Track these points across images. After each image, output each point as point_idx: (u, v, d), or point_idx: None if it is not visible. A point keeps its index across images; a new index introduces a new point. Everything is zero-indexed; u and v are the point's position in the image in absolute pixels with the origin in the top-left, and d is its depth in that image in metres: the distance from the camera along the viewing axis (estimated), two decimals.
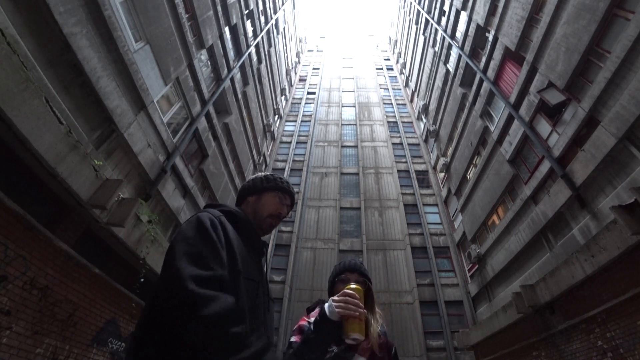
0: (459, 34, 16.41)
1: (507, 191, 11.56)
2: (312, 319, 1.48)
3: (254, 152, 17.49)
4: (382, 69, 34.28)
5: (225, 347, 0.84)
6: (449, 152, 17.30)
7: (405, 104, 27.40)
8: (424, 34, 22.42)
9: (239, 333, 0.87)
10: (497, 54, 12.29)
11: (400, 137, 23.35)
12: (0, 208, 4.14)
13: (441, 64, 18.65)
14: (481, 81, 13.45)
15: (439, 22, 19.14)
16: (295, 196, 1.59)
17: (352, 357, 1.35)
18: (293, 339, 1.36)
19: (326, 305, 1.27)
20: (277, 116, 23.53)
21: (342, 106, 27.71)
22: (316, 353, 1.25)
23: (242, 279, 1.08)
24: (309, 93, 29.51)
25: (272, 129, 20.83)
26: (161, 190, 8.23)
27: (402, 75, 30.76)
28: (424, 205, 18.09)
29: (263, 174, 1.57)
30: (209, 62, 11.65)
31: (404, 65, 30.25)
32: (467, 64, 14.84)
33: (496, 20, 12.16)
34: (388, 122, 25.08)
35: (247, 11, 14.93)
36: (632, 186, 5.80)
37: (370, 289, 1.56)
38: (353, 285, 1.31)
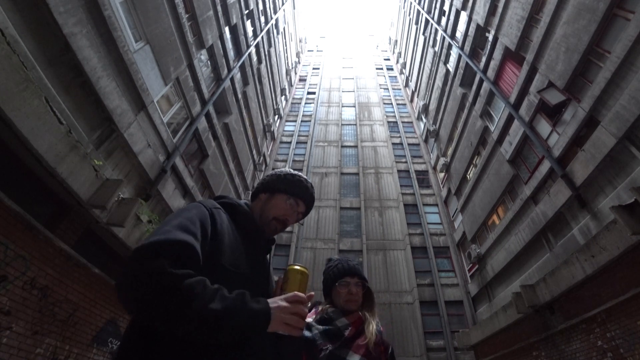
0: (459, 34, 16.40)
1: (507, 191, 11.55)
2: (309, 320, 1.49)
3: (254, 152, 17.48)
4: (382, 69, 34.26)
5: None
6: (449, 152, 17.29)
7: (405, 104, 27.39)
8: (424, 34, 22.41)
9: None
10: (497, 54, 12.28)
11: (400, 137, 23.33)
12: (0, 208, 4.14)
13: (441, 64, 18.65)
14: (481, 81, 13.44)
15: (439, 22, 19.13)
16: (313, 202, 1.43)
17: (347, 355, 1.36)
18: None
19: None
20: (277, 116, 23.52)
21: (342, 106, 27.69)
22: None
23: (228, 273, 1.01)
24: (309, 93, 29.48)
25: (272, 129, 20.81)
26: (161, 190, 8.21)
27: (402, 75, 30.74)
28: (424, 205, 18.08)
29: (287, 170, 1.42)
30: (209, 62, 11.65)
31: (404, 65, 30.24)
32: (467, 64, 14.83)
33: (496, 20, 12.15)
34: (388, 122, 25.07)
35: (247, 11, 14.92)
36: (632, 186, 5.79)
37: (369, 291, 1.60)
38: (296, 267, 1.09)
